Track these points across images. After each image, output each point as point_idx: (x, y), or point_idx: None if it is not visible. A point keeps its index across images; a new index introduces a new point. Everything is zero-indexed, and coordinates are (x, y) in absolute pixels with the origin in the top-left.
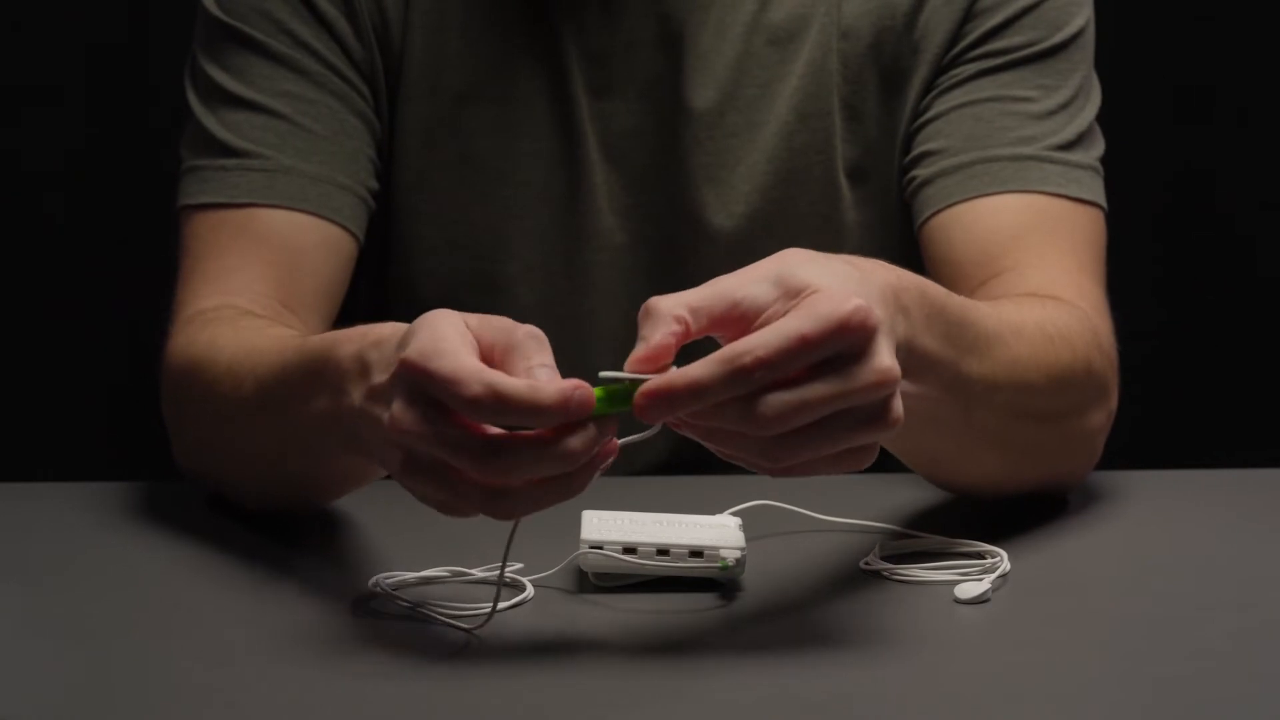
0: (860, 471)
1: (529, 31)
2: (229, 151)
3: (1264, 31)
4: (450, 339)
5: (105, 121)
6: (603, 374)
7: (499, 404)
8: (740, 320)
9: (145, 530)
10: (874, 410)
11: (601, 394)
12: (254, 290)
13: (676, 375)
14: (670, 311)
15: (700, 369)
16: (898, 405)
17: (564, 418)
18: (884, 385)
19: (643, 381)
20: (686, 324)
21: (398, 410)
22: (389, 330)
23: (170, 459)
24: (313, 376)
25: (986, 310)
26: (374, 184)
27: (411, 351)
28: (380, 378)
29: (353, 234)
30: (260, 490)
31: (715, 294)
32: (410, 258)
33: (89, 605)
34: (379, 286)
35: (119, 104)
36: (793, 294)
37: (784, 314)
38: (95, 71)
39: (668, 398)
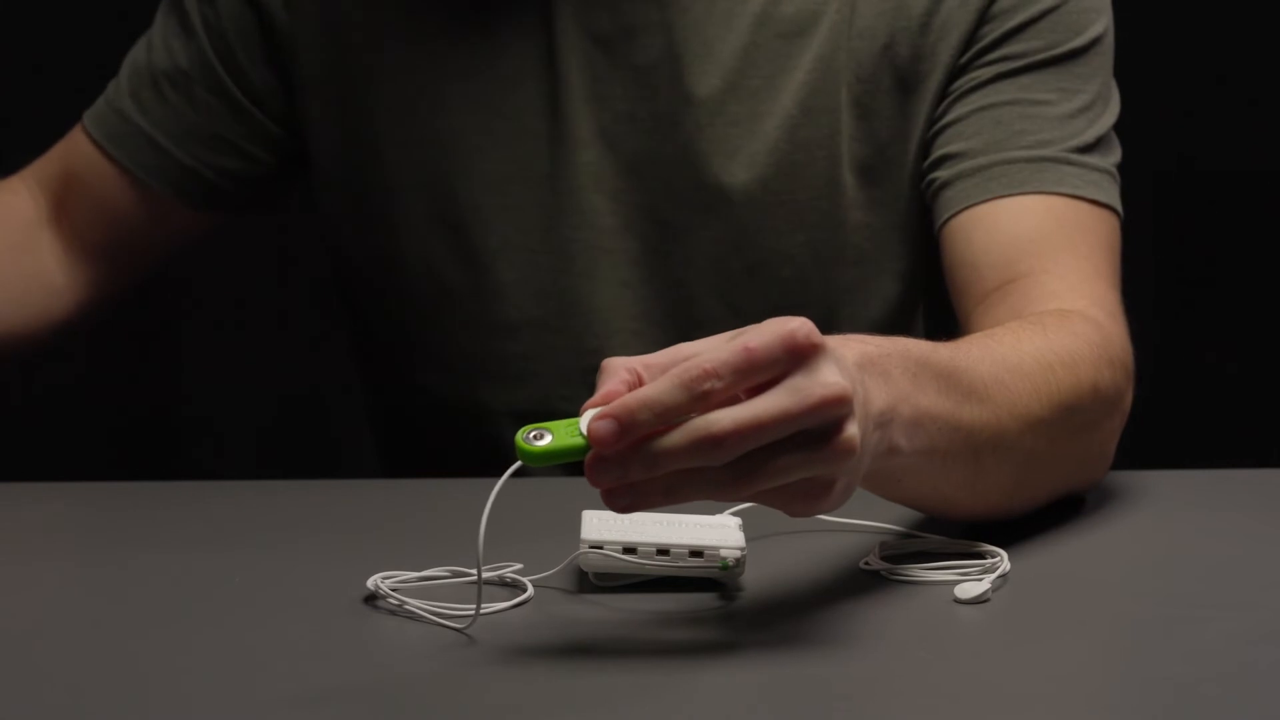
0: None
1: (522, 12)
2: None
3: (1267, 25)
4: None
5: None
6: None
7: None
8: None
9: (144, 530)
10: (825, 432)
11: (533, 455)
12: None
13: (627, 395)
14: (623, 365)
15: (650, 385)
16: (851, 430)
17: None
18: (833, 402)
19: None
20: (638, 375)
21: None
22: None
23: (169, 459)
24: None
25: (978, 354)
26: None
27: None
28: None
29: (148, 187)
30: None
31: (669, 352)
32: (396, 231)
33: (88, 605)
34: (372, 261)
35: None
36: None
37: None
38: (95, 71)
39: (622, 418)
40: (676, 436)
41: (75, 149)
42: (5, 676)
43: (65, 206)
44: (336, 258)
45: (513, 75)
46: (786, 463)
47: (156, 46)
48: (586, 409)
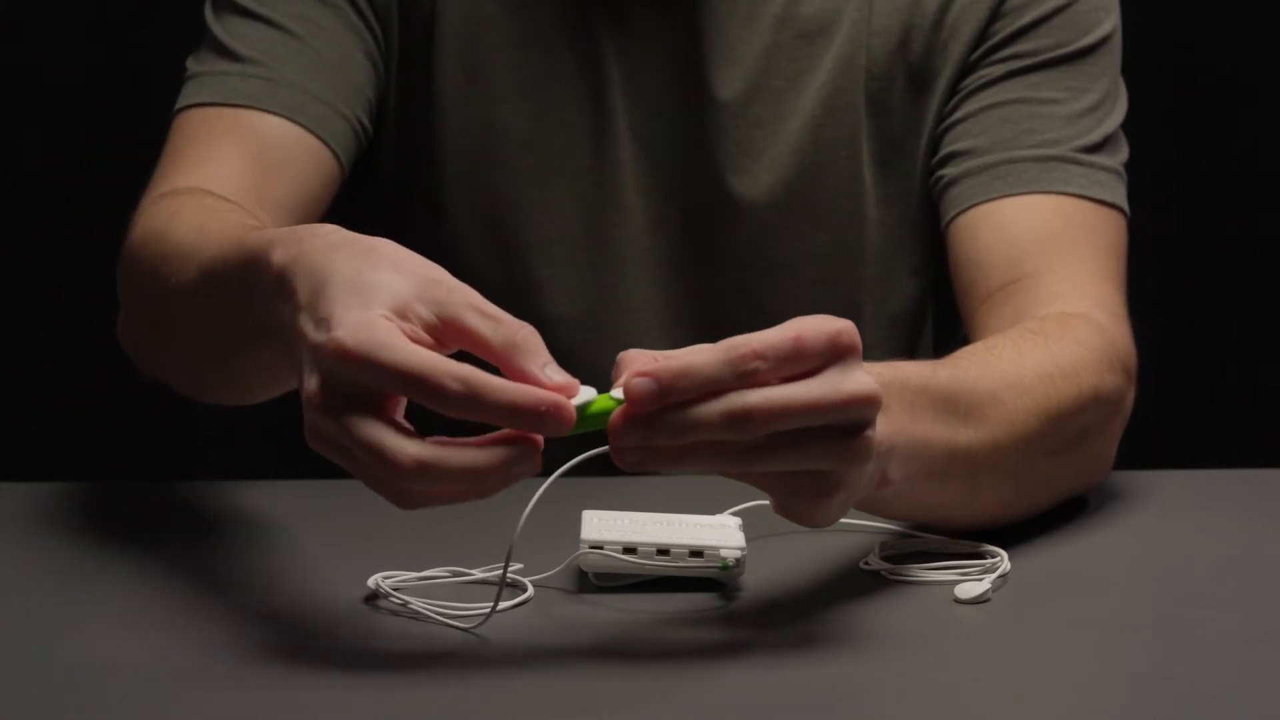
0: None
1: (565, 4)
2: (233, 58)
3: (1266, 23)
4: (384, 329)
5: (105, 121)
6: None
7: (474, 401)
8: None
9: (145, 530)
10: (848, 429)
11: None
12: (232, 182)
13: (672, 360)
14: (639, 355)
15: (694, 354)
16: (870, 434)
17: (536, 427)
18: (864, 401)
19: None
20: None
21: (318, 392)
22: (319, 243)
23: (170, 459)
24: (245, 275)
25: (978, 373)
26: (368, 124)
27: (348, 341)
28: (301, 300)
29: (340, 162)
30: (195, 377)
31: (686, 349)
32: (432, 220)
33: (88, 605)
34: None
35: (119, 104)
36: None
37: None
38: (95, 72)
39: (663, 380)
40: (709, 408)
41: (251, 129)
42: (3, 677)
43: (263, 186)
44: None
45: (558, 68)
46: (803, 450)
47: (301, 31)
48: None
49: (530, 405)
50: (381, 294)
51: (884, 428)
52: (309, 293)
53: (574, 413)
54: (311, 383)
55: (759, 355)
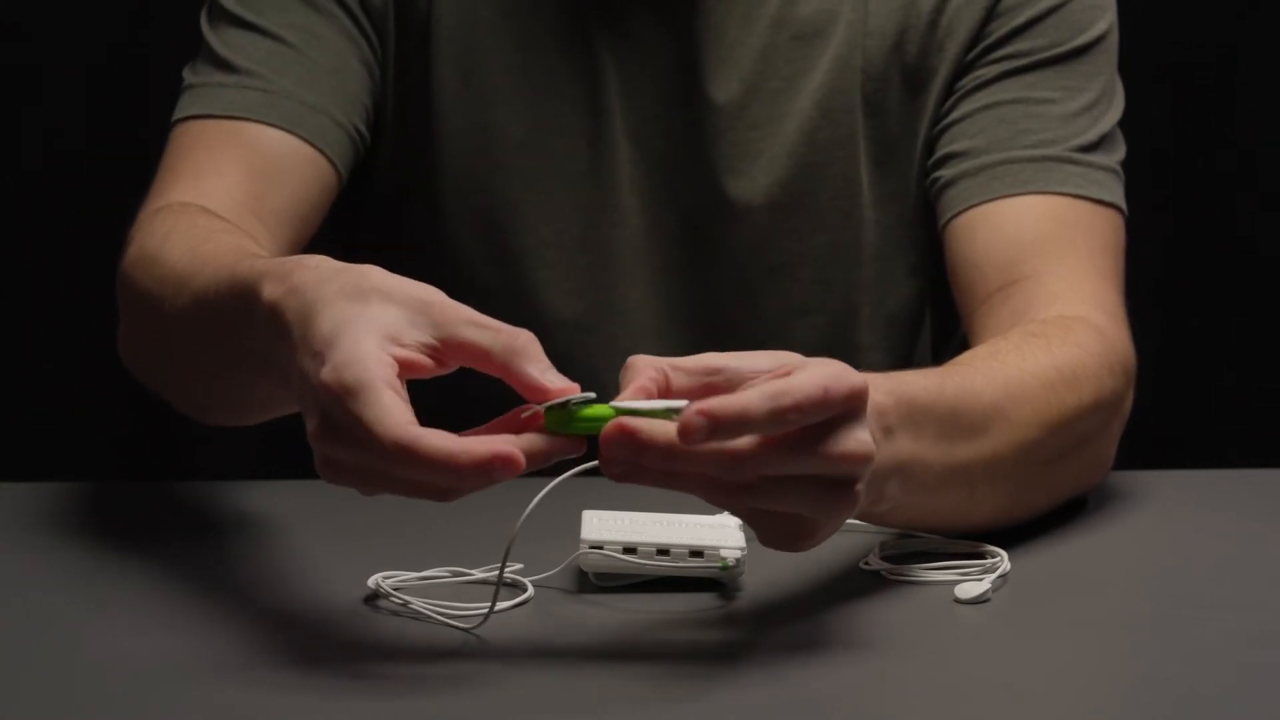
0: None
1: (561, 8)
2: (229, 69)
3: (1264, 22)
4: (369, 368)
5: (105, 121)
6: (547, 404)
7: (413, 462)
8: (723, 386)
9: (145, 530)
10: (836, 482)
11: (561, 419)
12: (230, 195)
13: (728, 399)
14: (649, 364)
15: (747, 399)
16: (859, 489)
17: (484, 481)
18: (859, 459)
19: (591, 400)
20: (666, 375)
21: (320, 428)
22: (309, 276)
23: (170, 459)
24: (238, 306)
25: (982, 383)
26: (365, 131)
27: (329, 378)
28: (296, 337)
29: (338, 172)
30: (190, 398)
31: (698, 358)
32: (429, 224)
33: (88, 605)
34: (396, 249)
35: (119, 104)
36: (789, 366)
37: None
38: (95, 71)
39: (719, 420)
40: (722, 459)
41: (249, 141)
42: (3, 677)
43: (261, 198)
44: (364, 254)
45: (555, 71)
46: (788, 495)
47: (297, 41)
48: (619, 401)
49: (470, 465)
50: (373, 325)
51: (887, 450)
52: (301, 328)
53: (523, 462)
54: (312, 421)
55: (798, 409)
